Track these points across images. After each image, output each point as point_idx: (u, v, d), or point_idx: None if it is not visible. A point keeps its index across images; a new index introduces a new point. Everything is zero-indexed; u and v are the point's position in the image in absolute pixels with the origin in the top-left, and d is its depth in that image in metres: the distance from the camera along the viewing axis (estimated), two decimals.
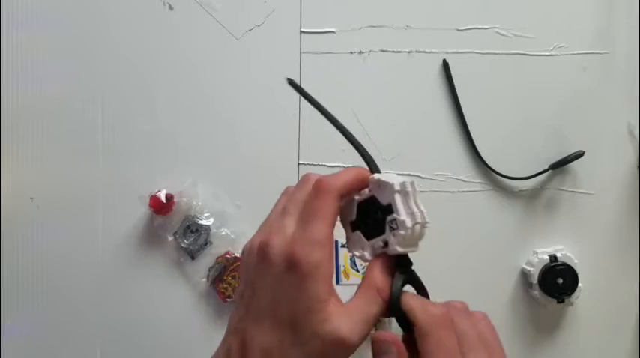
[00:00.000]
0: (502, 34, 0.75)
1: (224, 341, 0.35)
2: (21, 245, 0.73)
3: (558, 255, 0.73)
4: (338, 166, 0.74)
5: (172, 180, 0.73)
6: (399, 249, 0.34)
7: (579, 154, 0.73)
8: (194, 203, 0.72)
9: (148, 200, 0.71)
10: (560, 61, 0.75)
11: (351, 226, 0.37)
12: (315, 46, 0.74)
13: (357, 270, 0.75)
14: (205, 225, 0.72)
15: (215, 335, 0.74)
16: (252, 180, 0.74)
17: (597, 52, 0.76)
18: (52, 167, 0.73)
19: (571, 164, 0.75)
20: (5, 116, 0.73)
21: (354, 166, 0.36)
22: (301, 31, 0.74)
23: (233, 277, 0.72)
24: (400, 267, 0.35)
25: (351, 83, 0.74)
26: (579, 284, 0.73)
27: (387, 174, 0.36)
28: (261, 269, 0.33)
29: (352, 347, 0.32)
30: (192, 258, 0.73)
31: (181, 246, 0.72)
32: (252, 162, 0.74)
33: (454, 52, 0.74)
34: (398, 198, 0.34)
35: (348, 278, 0.75)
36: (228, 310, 0.74)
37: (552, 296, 0.73)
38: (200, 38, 0.73)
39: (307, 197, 0.34)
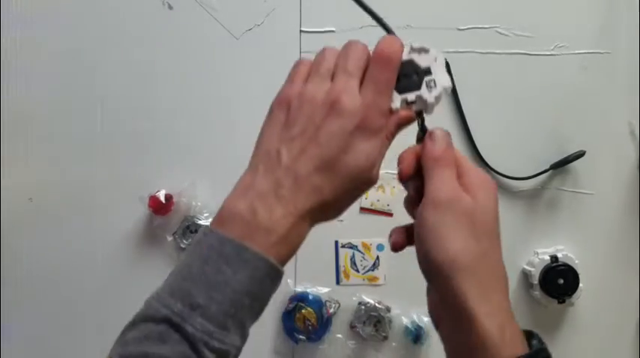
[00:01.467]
0: (502, 34, 0.75)
1: (268, 172, 0.37)
2: (21, 245, 0.73)
3: (559, 255, 0.73)
4: None
5: (172, 180, 0.73)
6: (432, 101, 0.41)
7: (580, 154, 0.73)
8: (193, 203, 0.72)
9: (147, 200, 0.71)
10: (561, 61, 0.75)
11: None
12: (315, 46, 0.73)
13: (357, 271, 0.74)
14: (205, 225, 0.72)
15: None
16: None
17: (598, 51, 0.75)
18: (52, 167, 0.73)
19: (572, 164, 0.75)
20: (5, 116, 0.73)
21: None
22: (301, 31, 0.74)
23: None
24: (422, 123, 0.43)
25: None
26: (580, 285, 0.73)
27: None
28: (331, 121, 0.36)
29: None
30: None
31: (181, 246, 0.72)
32: None
33: (454, 52, 0.74)
34: (437, 64, 0.40)
35: (348, 279, 0.75)
36: None
37: (553, 297, 0.73)
38: (200, 38, 0.73)
39: (372, 64, 0.38)
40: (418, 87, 0.40)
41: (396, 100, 0.40)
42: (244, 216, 0.36)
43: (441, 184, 0.39)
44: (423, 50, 0.40)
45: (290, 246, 0.37)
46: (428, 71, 0.40)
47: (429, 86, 0.40)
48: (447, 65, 0.73)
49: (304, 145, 0.37)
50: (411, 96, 0.40)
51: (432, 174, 0.40)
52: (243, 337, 0.35)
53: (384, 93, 0.38)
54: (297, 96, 0.38)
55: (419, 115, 0.42)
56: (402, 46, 0.40)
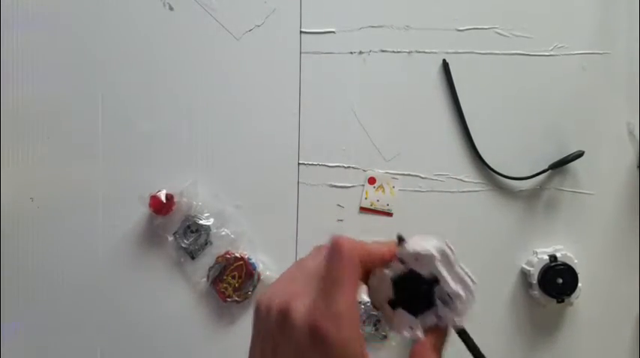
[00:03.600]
0: (502, 34, 0.75)
1: None
2: (21, 245, 0.73)
3: (558, 254, 0.74)
4: (338, 166, 0.74)
5: (172, 180, 0.73)
6: (460, 321, 0.32)
7: (579, 154, 0.73)
8: (194, 203, 0.72)
9: (148, 200, 0.71)
10: (560, 61, 0.75)
11: (391, 305, 0.34)
12: (315, 46, 0.74)
13: None
14: (205, 225, 0.72)
15: (215, 335, 0.74)
16: (252, 180, 0.74)
17: (597, 52, 0.76)
18: (52, 167, 0.73)
19: (571, 164, 0.75)
20: (5, 116, 0.73)
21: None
22: (301, 31, 0.74)
23: (233, 277, 0.72)
24: (461, 336, 0.33)
25: (351, 83, 0.74)
26: (579, 284, 0.73)
27: (418, 242, 0.33)
28: (283, 333, 0.31)
29: None
30: (193, 257, 0.73)
31: (181, 246, 0.72)
32: (252, 162, 0.74)
33: (454, 52, 0.74)
34: (442, 268, 0.32)
35: None
36: (228, 310, 0.74)
37: (552, 296, 0.73)
38: (200, 38, 0.73)
39: (326, 260, 0.32)
40: (432, 303, 0.32)
41: (417, 327, 0.33)
42: None
43: None
44: (417, 255, 0.32)
45: None
46: (434, 280, 0.32)
47: (444, 301, 0.32)
48: (448, 68, 0.74)
49: None
50: (429, 316, 0.33)
51: None
52: None
53: (333, 292, 0.31)
54: (263, 304, 0.34)
55: (460, 334, 0.33)
56: (377, 250, 0.33)
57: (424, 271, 0.32)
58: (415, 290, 0.32)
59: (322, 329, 0.30)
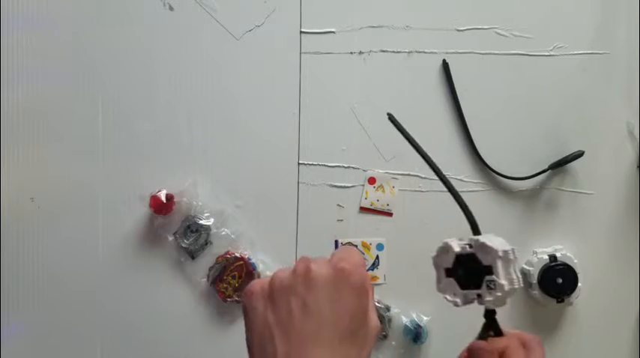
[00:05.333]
0: (502, 34, 0.75)
1: None
2: (21, 245, 0.73)
3: (558, 254, 0.74)
4: (338, 166, 0.74)
5: (172, 180, 0.73)
6: (493, 307, 0.40)
7: (579, 154, 0.74)
8: (194, 203, 0.72)
9: (148, 200, 0.71)
10: (560, 61, 0.75)
11: (446, 272, 0.41)
12: (315, 46, 0.74)
13: None
14: (205, 225, 0.72)
15: (215, 335, 0.74)
16: (252, 180, 0.74)
17: (597, 52, 0.76)
18: (52, 167, 0.73)
19: (571, 164, 0.75)
20: (5, 116, 0.73)
21: None
22: (301, 31, 0.74)
23: (233, 277, 0.72)
24: (488, 317, 0.41)
25: (351, 83, 0.74)
26: (579, 284, 0.73)
27: (490, 238, 0.39)
28: (309, 286, 0.36)
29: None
30: (193, 257, 0.73)
31: (182, 246, 0.72)
32: (252, 162, 0.74)
33: (454, 52, 0.74)
34: (499, 264, 0.38)
35: None
36: (229, 310, 0.74)
37: (552, 296, 0.73)
38: (200, 38, 0.73)
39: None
40: (479, 285, 0.39)
41: (459, 296, 0.40)
42: None
43: None
44: (485, 246, 0.38)
45: None
46: (489, 270, 0.38)
47: (489, 287, 0.39)
48: (448, 68, 0.74)
49: (296, 323, 0.37)
50: (472, 293, 0.40)
51: None
52: None
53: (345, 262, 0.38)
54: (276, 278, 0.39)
55: (488, 315, 0.41)
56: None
57: (484, 259, 0.38)
58: (470, 271, 0.39)
59: (345, 269, 0.36)
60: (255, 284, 0.38)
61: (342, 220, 0.75)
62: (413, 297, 0.75)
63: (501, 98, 0.75)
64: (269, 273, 0.73)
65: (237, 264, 0.72)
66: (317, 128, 0.74)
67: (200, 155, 0.74)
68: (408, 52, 0.75)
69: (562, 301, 0.73)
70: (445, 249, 0.41)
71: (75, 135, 0.74)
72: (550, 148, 0.76)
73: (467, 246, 0.40)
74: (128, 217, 0.73)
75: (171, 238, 0.73)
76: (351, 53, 0.74)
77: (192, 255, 0.73)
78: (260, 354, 0.37)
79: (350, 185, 0.75)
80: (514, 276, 0.38)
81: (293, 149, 0.74)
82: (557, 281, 0.72)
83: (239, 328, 0.77)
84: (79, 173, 0.74)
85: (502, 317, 0.75)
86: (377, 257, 0.75)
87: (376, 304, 0.73)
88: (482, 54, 0.75)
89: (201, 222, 0.72)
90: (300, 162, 0.74)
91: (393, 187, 0.75)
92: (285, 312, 0.36)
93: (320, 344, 0.35)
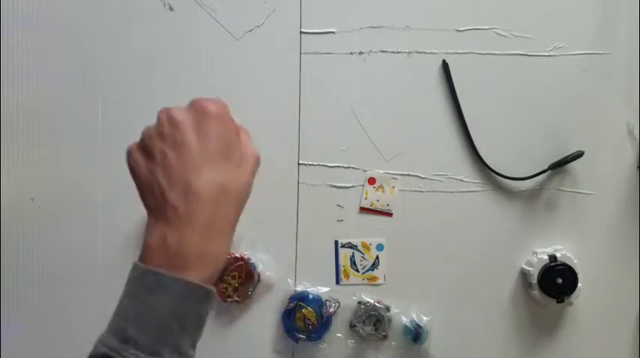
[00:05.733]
0: (502, 35, 0.75)
1: (166, 194, 0.40)
2: (21, 245, 0.73)
3: (558, 255, 0.74)
4: (338, 166, 0.74)
5: None
6: None
7: (579, 154, 0.74)
8: None
9: None
10: (560, 62, 0.75)
11: None
12: (315, 46, 0.74)
13: (357, 270, 0.75)
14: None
15: (215, 335, 0.74)
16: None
17: (597, 52, 0.76)
18: (52, 167, 0.73)
19: (571, 164, 0.75)
20: (5, 116, 0.73)
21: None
22: (301, 31, 0.74)
23: (233, 277, 0.72)
24: None
25: (351, 83, 0.74)
26: (579, 284, 0.73)
27: None
28: (175, 128, 0.41)
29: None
30: None
31: None
32: None
33: (454, 53, 0.74)
34: None
35: (347, 279, 0.75)
36: (228, 310, 0.74)
37: (552, 296, 0.73)
38: (200, 38, 0.73)
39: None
40: None
41: None
42: (158, 246, 0.40)
43: None
44: None
45: (207, 263, 0.39)
46: None
47: None
48: (447, 68, 0.74)
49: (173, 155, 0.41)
50: None
51: None
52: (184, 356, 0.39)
53: None
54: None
55: None
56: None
57: None
58: None
59: (200, 102, 0.42)
60: (130, 145, 0.43)
61: (342, 220, 0.75)
62: (413, 297, 0.75)
63: (501, 98, 0.75)
64: (269, 273, 0.73)
65: (237, 264, 0.72)
66: (317, 128, 0.74)
67: None
68: (408, 53, 0.75)
69: (562, 301, 0.73)
70: None
71: (75, 135, 0.74)
72: (550, 148, 0.76)
73: None
74: (128, 217, 0.73)
75: None
76: (351, 53, 0.74)
77: None
78: (151, 200, 0.41)
79: (350, 185, 0.75)
80: None
81: (293, 149, 0.74)
82: (557, 281, 0.72)
83: (239, 328, 0.78)
84: (79, 173, 0.74)
85: (502, 316, 0.76)
86: (377, 257, 0.75)
87: (376, 304, 0.73)
88: (483, 54, 0.75)
89: None
90: (300, 162, 0.74)
91: (393, 187, 0.75)
92: (160, 155, 0.40)
93: (197, 168, 0.39)
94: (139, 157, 0.41)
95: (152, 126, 0.42)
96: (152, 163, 0.40)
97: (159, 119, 0.41)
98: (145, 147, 0.41)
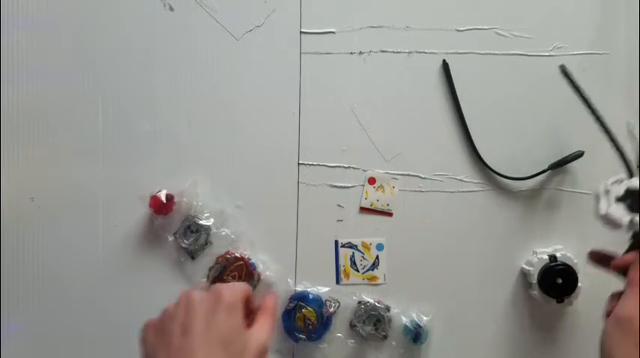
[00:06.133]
0: (502, 35, 0.75)
1: None
2: (21, 245, 0.73)
3: (558, 254, 0.74)
4: (338, 166, 0.75)
5: (172, 180, 0.73)
6: None
7: (579, 154, 0.74)
8: (194, 203, 0.72)
9: (148, 200, 0.71)
10: (560, 61, 0.75)
11: (615, 199, 0.55)
12: (315, 46, 0.74)
13: (357, 270, 0.75)
14: (205, 225, 0.72)
15: None
16: (252, 180, 0.74)
17: (597, 52, 0.76)
18: (52, 167, 0.73)
19: (570, 164, 0.75)
20: (5, 116, 0.73)
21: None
22: (301, 32, 0.74)
23: (233, 277, 0.72)
24: (636, 238, 0.53)
25: (351, 83, 0.74)
26: (579, 284, 0.73)
27: None
28: (189, 312, 0.45)
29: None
30: (193, 258, 0.73)
31: (181, 246, 0.73)
32: (252, 162, 0.74)
33: (454, 53, 0.74)
34: None
35: (347, 279, 0.75)
36: None
37: (552, 296, 0.73)
38: (200, 38, 0.73)
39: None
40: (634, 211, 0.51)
41: (625, 218, 0.53)
42: None
43: (627, 301, 0.50)
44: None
45: None
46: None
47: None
48: (447, 68, 0.74)
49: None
50: (635, 218, 0.52)
51: (626, 290, 0.51)
52: None
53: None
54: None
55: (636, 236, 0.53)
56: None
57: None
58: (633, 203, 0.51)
59: (217, 290, 0.46)
60: (150, 320, 0.48)
61: (342, 220, 0.75)
62: (413, 297, 0.75)
63: (501, 98, 0.75)
64: (269, 273, 0.74)
65: (237, 264, 0.72)
66: (317, 128, 0.74)
67: (200, 155, 0.74)
68: (408, 53, 0.75)
69: (562, 301, 0.73)
70: (619, 180, 0.55)
71: (75, 135, 0.74)
72: (550, 148, 0.76)
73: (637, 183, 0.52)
74: (128, 217, 0.73)
75: (171, 238, 0.73)
76: (351, 53, 0.74)
77: (192, 255, 0.73)
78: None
79: (350, 185, 0.75)
80: None
81: (293, 149, 0.74)
82: (557, 281, 0.72)
83: None
84: (79, 173, 0.74)
85: (502, 316, 0.76)
86: (377, 257, 0.75)
87: (376, 304, 0.73)
88: (482, 54, 0.75)
89: (201, 222, 0.72)
90: (300, 162, 0.74)
91: (393, 187, 0.75)
92: (168, 335, 0.44)
93: (193, 352, 0.42)
94: (151, 334, 0.47)
95: (173, 306, 0.47)
96: (159, 341, 0.45)
97: (179, 300, 0.46)
98: (160, 325, 0.46)
